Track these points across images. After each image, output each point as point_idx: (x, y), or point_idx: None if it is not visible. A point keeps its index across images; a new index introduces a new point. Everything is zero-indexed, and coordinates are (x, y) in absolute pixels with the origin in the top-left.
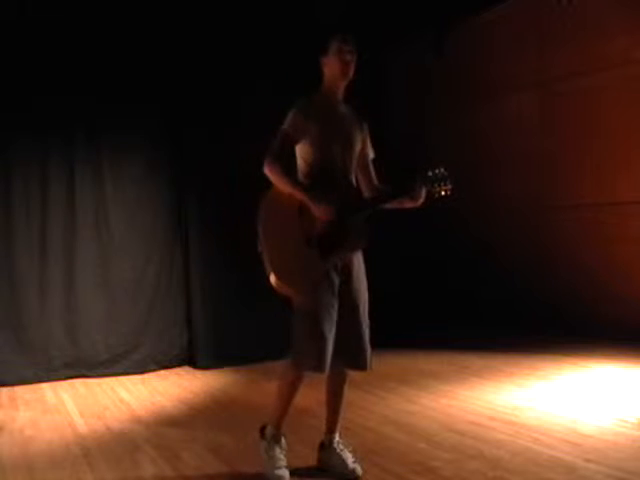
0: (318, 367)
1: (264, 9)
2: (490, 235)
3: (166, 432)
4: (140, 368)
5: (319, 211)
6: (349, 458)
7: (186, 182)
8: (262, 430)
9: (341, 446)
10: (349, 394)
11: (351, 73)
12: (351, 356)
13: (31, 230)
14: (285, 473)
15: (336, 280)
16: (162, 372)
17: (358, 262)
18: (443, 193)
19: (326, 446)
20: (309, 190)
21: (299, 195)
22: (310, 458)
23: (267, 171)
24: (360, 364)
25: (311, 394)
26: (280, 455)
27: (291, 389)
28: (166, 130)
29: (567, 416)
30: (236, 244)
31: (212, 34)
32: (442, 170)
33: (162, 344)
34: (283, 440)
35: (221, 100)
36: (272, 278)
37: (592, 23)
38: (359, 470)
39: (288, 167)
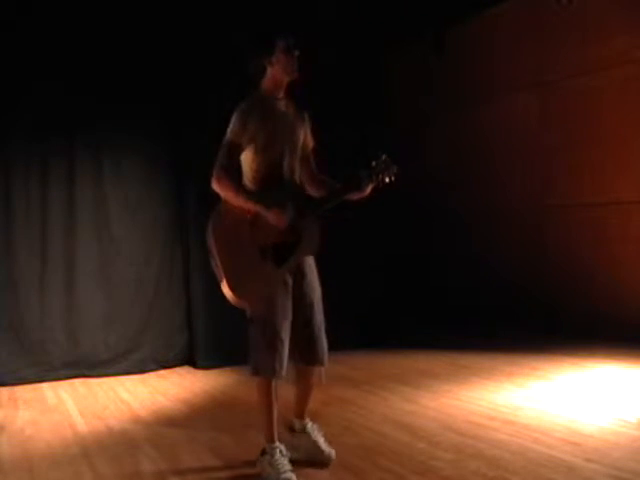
0: (277, 373)
1: (264, 9)
2: (490, 235)
3: (166, 432)
4: (140, 368)
5: (274, 219)
6: (323, 443)
7: (186, 182)
8: (262, 453)
9: (315, 432)
10: (349, 394)
11: (297, 70)
12: (307, 352)
13: (31, 230)
14: (292, 476)
15: (289, 281)
16: (162, 372)
17: (309, 259)
18: (387, 180)
19: (298, 431)
20: (261, 200)
21: (252, 207)
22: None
23: (216, 186)
24: (317, 359)
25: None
26: (283, 460)
27: (266, 398)
28: (166, 130)
29: (567, 416)
30: None
31: (212, 34)
32: (384, 157)
33: (162, 344)
34: (282, 447)
35: (221, 100)
36: (227, 292)
37: (592, 23)
38: (333, 454)
39: (235, 175)
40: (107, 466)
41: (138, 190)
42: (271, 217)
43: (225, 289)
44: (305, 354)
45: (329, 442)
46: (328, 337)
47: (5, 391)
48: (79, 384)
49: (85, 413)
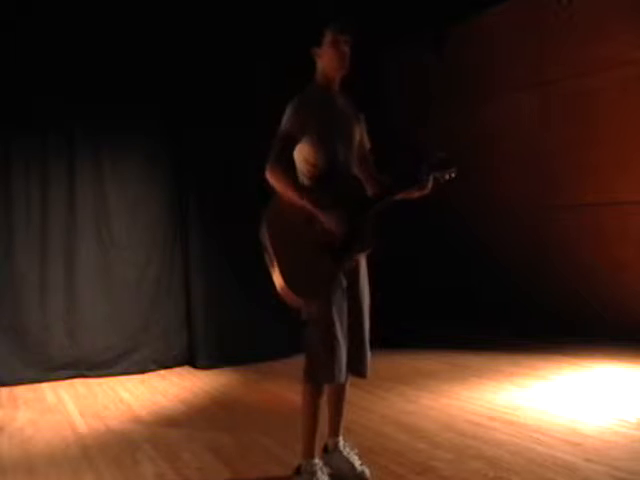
0: (337, 378)
1: (263, 8)
2: (489, 235)
3: (166, 432)
4: (140, 368)
5: (329, 223)
6: (356, 461)
7: (186, 182)
8: (297, 471)
9: (347, 449)
10: (349, 394)
11: (348, 64)
12: (354, 361)
13: (31, 230)
14: None
15: (344, 283)
16: (162, 372)
17: (363, 264)
18: (448, 177)
19: (330, 450)
20: (317, 201)
21: (308, 206)
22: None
23: (270, 178)
24: (361, 370)
25: None
26: (325, 478)
27: (313, 408)
28: (166, 130)
29: (567, 416)
30: (236, 244)
31: (212, 33)
32: (443, 154)
33: (162, 344)
34: (322, 464)
35: (221, 100)
36: (282, 289)
37: (592, 23)
38: (367, 473)
39: (290, 170)
40: (107, 466)
41: (138, 190)
42: (326, 220)
43: (281, 287)
44: (353, 363)
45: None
46: None
47: (5, 391)
48: (79, 384)
49: (85, 413)
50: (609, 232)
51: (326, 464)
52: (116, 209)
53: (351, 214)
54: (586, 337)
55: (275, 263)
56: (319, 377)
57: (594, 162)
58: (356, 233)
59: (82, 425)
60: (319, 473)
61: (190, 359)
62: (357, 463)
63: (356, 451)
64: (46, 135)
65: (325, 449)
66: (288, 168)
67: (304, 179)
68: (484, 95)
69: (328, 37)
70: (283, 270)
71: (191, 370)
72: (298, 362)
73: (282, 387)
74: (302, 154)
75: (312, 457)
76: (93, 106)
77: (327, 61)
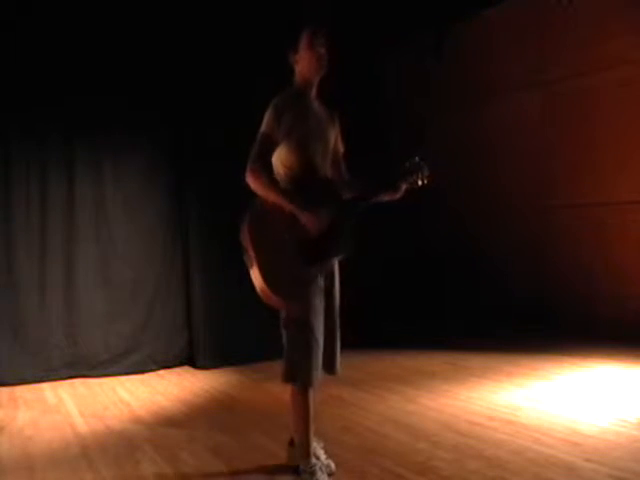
0: (314, 379)
1: (263, 10)
2: (489, 234)
3: (166, 432)
4: (140, 368)
5: (307, 222)
6: (322, 455)
7: (186, 182)
8: (297, 470)
9: (314, 443)
10: (349, 394)
11: (325, 65)
12: (326, 359)
13: (31, 230)
14: None
15: (322, 284)
16: (162, 372)
17: (336, 266)
18: (420, 183)
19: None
20: (295, 199)
21: (286, 206)
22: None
23: (249, 179)
24: (334, 368)
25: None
26: (324, 477)
27: (304, 410)
28: (166, 130)
29: (567, 416)
30: (236, 244)
31: (212, 34)
32: (418, 160)
33: (162, 344)
34: (319, 462)
35: (221, 100)
36: (262, 290)
37: (592, 23)
38: (333, 466)
39: (269, 171)
40: (107, 466)
41: (138, 190)
42: (304, 219)
43: (261, 288)
44: (326, 361)
45: (329, 443)
46: None
47: (5, 391)
48: (79, 384)
49: (85, 413)
50: (609, 232)
51: (293, 458)
52: (116, 209)
53: (329, 215)
54: (585, 337)
55: (255, 264)
56: (297, 377)
57: (594, 162)
58: (334, 236)
59: (82, 425)
60: (319, 473)
61: (190, 359)
62: (323, 457)
63: (322, 444)
64: (46, 136)
65: (291, 443)
66: (267, 170)
67: (282, 181)
68: (484, 95)
69: (304, 40)
70: (263, 271)
71: (191, 370)
72: None
73: (282, 387)
74: (280, 157)
75: (309, 457)
76: (93, 106)
77: (305, 64)
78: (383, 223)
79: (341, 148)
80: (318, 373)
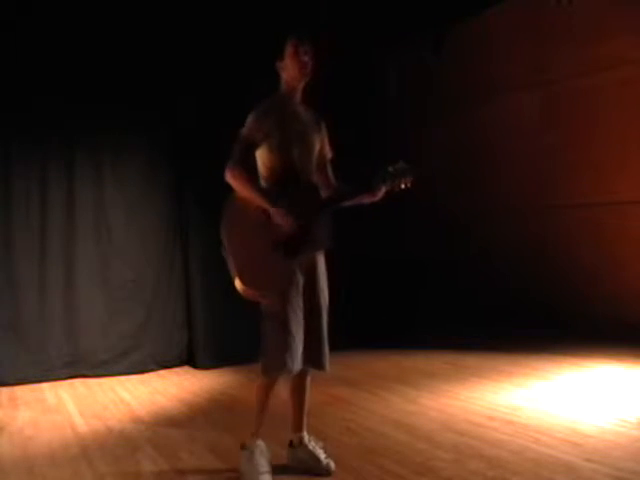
0: (289, 367)
1: (263, 9)
2: (489, 234)
3: (166, 432)
4: (140, 368)
5: (277, 217)
6: (322, 454)
7: (186, 182)
8: (242, 446)
9: (312, 443)
10: (349, 394)
11: (310, 73)
12: (312, 355)
13: (31, 230)
14: (269, 478)
15: (301, 280)
16: (162, 372)
17: (322, 263)
18: (403, 186)
19: (296, 444)
20: (267, 195)
21: (259, 201)
22: (281, 456)
23: (229, 177)
24: (322, 363)
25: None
26: (262, 460)
27: (263, 394)
28: (166, 130)
29: (567, 416)
30: None
31: (211, 34)
32: (402, 164)
33: (162, 344)
34: (263, 446)
35: (221, 100)
36: (237, 283)
37: (592, 23)
38: (332, 466)
39: (248, 171)
40: (107, 466)
41: (138, 191)
42: (275, 214)
43: (236, 280)
44: (312, 356)
45: (329, 443)
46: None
47: (5, 391)
48: (79, 384)
49: (85, 413)
50: (609, 231)
51: (293, 459)
52: (116, 209)
53: (301, 212)
54: (585, 337)
55: (231, 258)
56: (269, 369)
57: (594, 162)
58: (307, 232)
59: (82, 425)
60: (257, 453)
61: (190, 359)
62: (322, 457)
63: (321, 444)
64: (46, 136)
65: (290, 444)
66: (246, 169)
67: (264, 181)
68: (484, 95)
69: (289, 49)
70: (239, 265)
71: (191, 370)
72: None
73: (282, 387)
74: (262, 158)
75: (256, 437)
76: (93, 107)
77: (289, 72)
78: (382, 222)
79: (328, 153)
80: (294, 363)
